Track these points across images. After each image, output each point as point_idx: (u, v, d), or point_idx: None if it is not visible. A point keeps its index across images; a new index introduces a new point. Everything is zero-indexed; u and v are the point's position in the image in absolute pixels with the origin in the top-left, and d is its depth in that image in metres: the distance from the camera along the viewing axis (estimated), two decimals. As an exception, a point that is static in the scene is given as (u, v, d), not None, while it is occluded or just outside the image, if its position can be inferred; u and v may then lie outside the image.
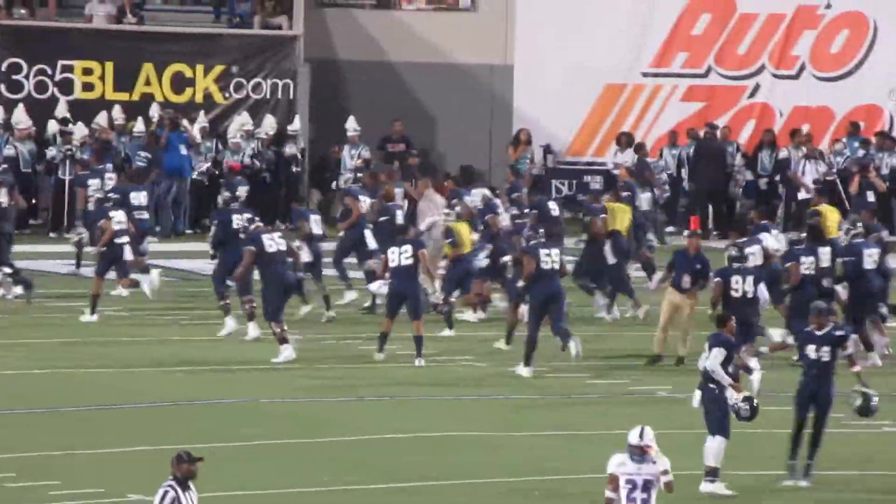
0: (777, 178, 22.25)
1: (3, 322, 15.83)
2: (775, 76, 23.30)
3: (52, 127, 21.35)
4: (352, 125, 21.77)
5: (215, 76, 22.40)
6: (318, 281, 15.99)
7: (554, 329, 13.84)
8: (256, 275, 14.65)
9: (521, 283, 14.13)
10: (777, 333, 13.68)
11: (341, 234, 16.71)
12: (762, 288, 13.68)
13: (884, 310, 14.56)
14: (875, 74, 23.07)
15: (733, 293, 13.50)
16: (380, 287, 14.37)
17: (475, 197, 16.69)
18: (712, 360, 10.69)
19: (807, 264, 14.33)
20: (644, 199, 17.82)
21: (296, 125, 22.14)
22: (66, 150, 20.82)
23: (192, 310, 15.99)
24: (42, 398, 12.99)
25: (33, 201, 21.36)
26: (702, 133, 22.57)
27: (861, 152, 21.83)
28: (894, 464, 11.44)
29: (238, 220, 15.08)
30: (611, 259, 15.83)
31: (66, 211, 20.48)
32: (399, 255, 14.08)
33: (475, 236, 15.82)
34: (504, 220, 16.17)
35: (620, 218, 16.18)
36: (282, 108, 22.54)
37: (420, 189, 17.80)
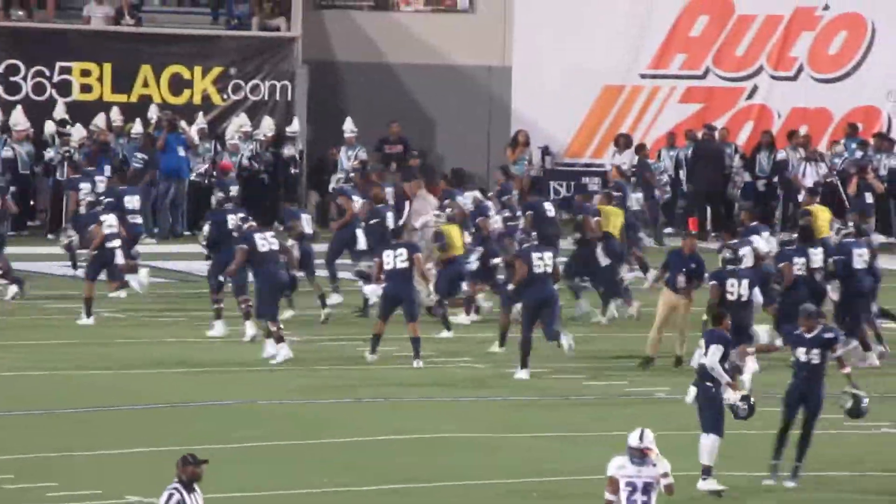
0: (775, 179, 22.26)
1: (1, 324, 15.82)
2: (773, 77, 23.31)
3: (50, 127, 21.34)
4: (349, 126, 21.78)
5: (213, 78, 22.40)
6: (311, 279, 15.95)
7: (546, 333, 13.84)
8: (252, 276, 14.68)
9: (511, 286, 14.09)
10: (762, 331, 13.68)
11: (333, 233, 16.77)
12: (756, 291, 13.69)
13: (875, 308, 14.55)
14: (873, 76, 23.08)
15: (729, 296, 13.52)
16: (374, 291, 14.36)
17: (467, 199, 16.67)
18: (711, 357, 10.69)
19: (798, 265, 14.35)
20: (634, 198, 17.81)
21: (294, 127, 22.14)
22: (64, 152, 20.80)
23: (189, 311, 15.98)
24: (40, 399, 12.98)
25: (31, 203, 21.35)
26: (700, 134, 22.58)
27: (859, 154, 21.84)
28: (891, 464, 11.42)
29: (232, 221, 15.07)
30: (603, 261, 15.83)
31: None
32: (394, 258, 14.09)
33: (467, 238, 15.80)
34: (496, 222, 16.11)
35: (613, 221, 16.21)
36: (280, 110, 22.55)
37: (413, 189, 17.81)
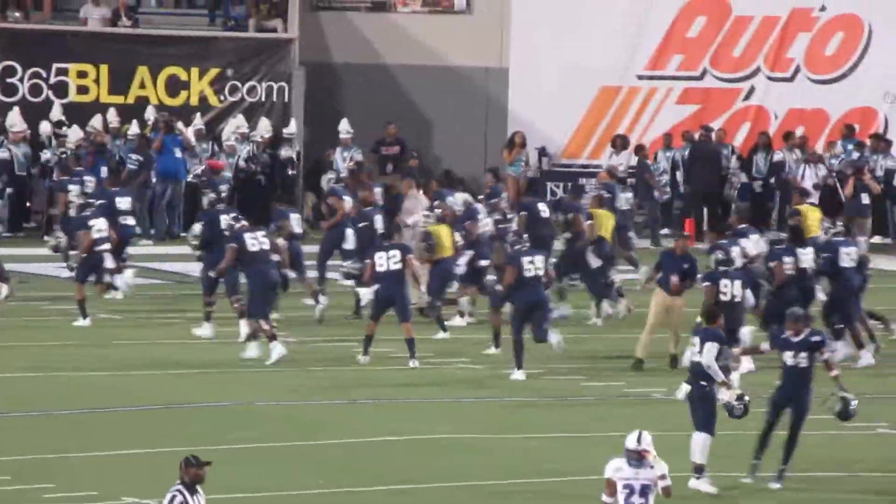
0: (772, 180, 22.28)
1: (-2, 325, 15.83)
2: (770, 79, 23.32)
3: (45, 128, 21.33)
4: (345, 127, 21.78)
5: (210, 79, 22.39)
6: (301, 278, 15.96)
7: (535, 334, 13.83)
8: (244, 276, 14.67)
9: (499, 287, 14.06)
10: (746, 332, 13.69)
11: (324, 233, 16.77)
12: (748, 292, 13.68)
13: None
14: (869, 77, 23.10)
15: (722, 297, 13.53)
16: (367, 292, 14.35)
17: (457, 200, 16.66)
18: (707, 355, 10.71)
19: (788, 264, 14.36)
20: (624, 198, 17.82)
21: (291, 128, 22.13)
22: (60, 153, 20.79)
23: (186, 312, 15.97)
24: (37, 401, 12.97)
25: (27, 204, 21.33)
26: (697, 135, 22.59)
27: (855, 155, 21.85)
28: (887, 464, 11.41)
29: (225, 220, 15.07)
30: (594, 263, 15.84)
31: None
32: (387, 260, 14.09)
33: (458, 238, 15.79)
34: (485, 225, 16.09)
35: (605, 224, 16.22)
36: (277, 112, 22.54)
37: (404, 189, 17.83)
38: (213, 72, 22.38)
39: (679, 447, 10.68)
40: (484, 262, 15.48)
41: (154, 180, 21.27)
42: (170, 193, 21.39)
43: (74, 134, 21.10)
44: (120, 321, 16.17)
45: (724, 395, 10.68)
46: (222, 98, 22.44)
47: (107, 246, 15.64)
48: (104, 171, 19.92)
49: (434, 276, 15.49)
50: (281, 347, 14.15)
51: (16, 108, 21.48)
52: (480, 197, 16.98)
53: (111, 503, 10.17)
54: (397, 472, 11.07)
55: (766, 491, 10.70)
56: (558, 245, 16.59)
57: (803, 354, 10.69)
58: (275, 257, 14.54)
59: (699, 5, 23.32)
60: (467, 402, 13.23)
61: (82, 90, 22.08)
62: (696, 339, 10.84)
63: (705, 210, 22.26)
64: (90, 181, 18.40)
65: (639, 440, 8.50)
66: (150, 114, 21.86)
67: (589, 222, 16.14)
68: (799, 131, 22.67)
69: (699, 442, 10.60)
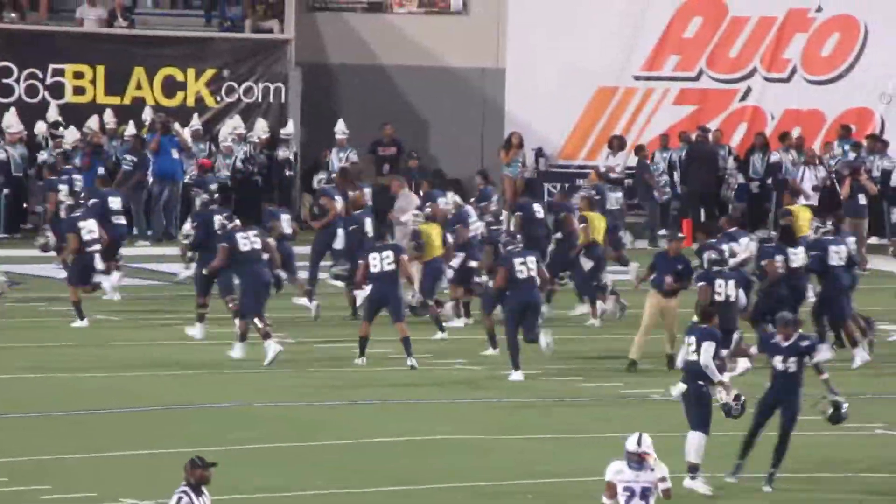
0: (769, 181, 22.30)
1: (-5, 326, 15.81)
2: (767, 79, 23.34)
3: (41, 128, 21.30)
4: (340, 128, 21.77)
5: (207, 80, 22.37)
6: (292, 279, 15.98)
7: (526, 337, 13.83)
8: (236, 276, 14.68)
9: (488, 283, 14.05)
10: (735, 336, 13.70)
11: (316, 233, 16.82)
12: (741, 292, 13.73)
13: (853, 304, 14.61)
14: (866, 77, 23.12)
15: (717, 297, 13.56)
16: (362, 293, 14.34)
17: (448, 201, 16.66)
18: (705, 355, 10.71)
19: (779, 262, 14.38)
20: (614, 198, 17.81)
21: (288, 129, 22.12)
22: (56, 154, 20.77)
23: (184, 313, 15.95)
24: (34, 402, 12.95)
25: (24, 205, 21.30)
26: (693, 136, 22.60)
27: (852, 155, 21.88)
28: (884, 465, 11.43)
29: (218, 221, 15.10)
30: (586, 266, 15.83)
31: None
32: (381, 261, 14.10)
33: (449, 238, 15.78)
34: (477, 228, 16.04)
35: (598, 227, 16.26)
36: (273, 112, 22.52)
37: (395, 189, 17.84)
38: (210, 73, 22.36)
39: (677, 448, 10.68)
40: (473, 263, 15.47)
41: (151, 181, 21.26)
42: (167, 194, 21.37)
43: (71, 135, 21.08)
44: (118, 322, 16.15)
45: (721, 396, 10.68)
46: (219, 99, 22.42)
47: (97, 247, 15.61)
48: (101, 171, 19.91)
49: (425, 276, 15.47)
50: (275, 345, 14.15)
51: (12, 109, 21.44)
52: (472, 200, 16.95)
53: (109, 504, 10.17)
54: (396, 472, 11.07)
55: (761, 493, 10.69)
56: (550, 246, 16.60)
57: (793, 359, 10.71)
58: (264, 256, 14.52)
59: (695, 6, 23.33)
60: (465, 402, 13.23)
61: (79, 91, 22.05)
62: (692, 339, 10.84)
63: (702, 211, 22.27)
64: (79, 180, 18.39)
65: (639, 442, 8.51)
66: (147, 115, 21.85)
67: (583, 225, 16.15)
68: (795, 132, 22.70)
69: (694, 442, 10.62)
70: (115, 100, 22.06)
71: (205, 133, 21.92)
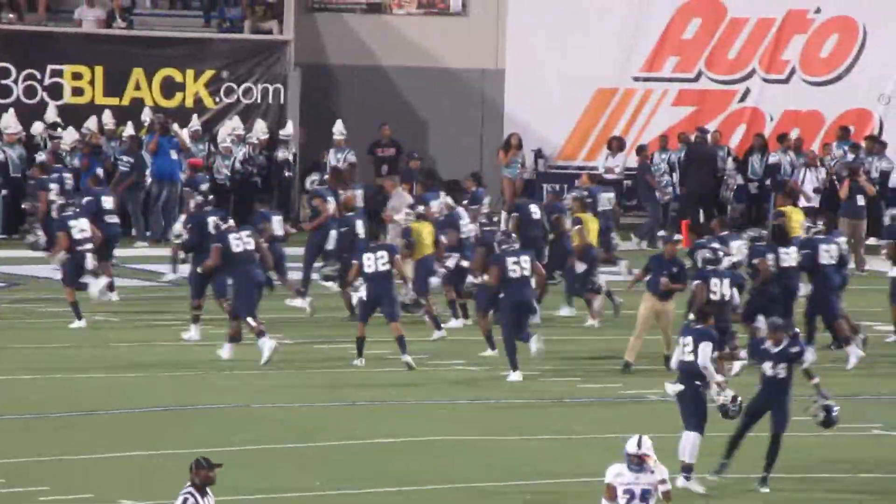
0: (767, 182, 22.30)
1: (-7, 327, 15.80)
2: (765, 80, 23.34)
3: (37, 128, 21.28)
4: (338, 129, 21.76)
5: (205, 81, 22.36)
6: (283, 280, 15.98)
7: (517, 337, 13.84)
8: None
9: (482, 283, 14.05)
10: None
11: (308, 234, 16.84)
12: (735, 291, 13.73)
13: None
14: (864, 78, 23.13)
15: (712, 295, 13.57)
16: (360, 294, 14.33)
17: (441, 202, 16.67)
18: (703, 355, 10.70)
19: (769, 261, 14.41)
20: (606, 198, 17.83)
21: (287, 130, 22.11)
22: (47, 153, 20.73)
23: (182, 314, 15.94)
24: (32, 403, 12.94)
25: (23, 206, 21.30)
26: (692, 137, 22.61)
27: (850, 156, 21.88)
28: (882, 465, 11.43)
29: (212, 222, 15.10)
30: (580, 268, 15.84)
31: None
32: (375, 261, 14.10)
33: (443, 239, 15.78)
34: (471, 231, 15.99)
35: (591, 229, 16.30)
36: (272, 113, 22.51)
37: (388, 188, 17.85)
38: (209, 73, 22.35)
39: (676, 449, 10.67)
40: (465, 263, 15.48)
41: (149, 182, 21.25)
42: (165, 195, 21.35)
43: (69, 136, 21.07)
44: (116, 323, 16.14)
45: (718, 397, 10.68)
46: (218, 100, 22.41)
47: (88, 246, 15.61)
48: (100, 172, 19.91)
49: (417, 274, 15.46)
50: (270, 342, 14.15)
51: (11, 110, 21.43)
52: (464, 202, 16.95)
53: (107, 505, 10.15)
54: (395, 473, 11.06)
55: (758, 493, 10.68)
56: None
57: (782, 365, 10.71)
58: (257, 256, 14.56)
59: (694, 7, 23.33)
60: (464, 403, 13.22)
61: (77, 92, 22.04)
62: (689, 340, 10.83)
63: (701, 212, 22.26)
64: (69, 179, 18.37)
65: (639, 444, 8.52)
66: (146, 115, 21.84)
67: (577, 227, 16.17)
68: (794, 133, 22.70)
69: (689, 442, 10.62)
70: (114, 101, 22.05)
71: (204, 134, 21.90)
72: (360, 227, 16.13)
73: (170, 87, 22.24)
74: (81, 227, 15.65)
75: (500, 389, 13.68)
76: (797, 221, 16.04)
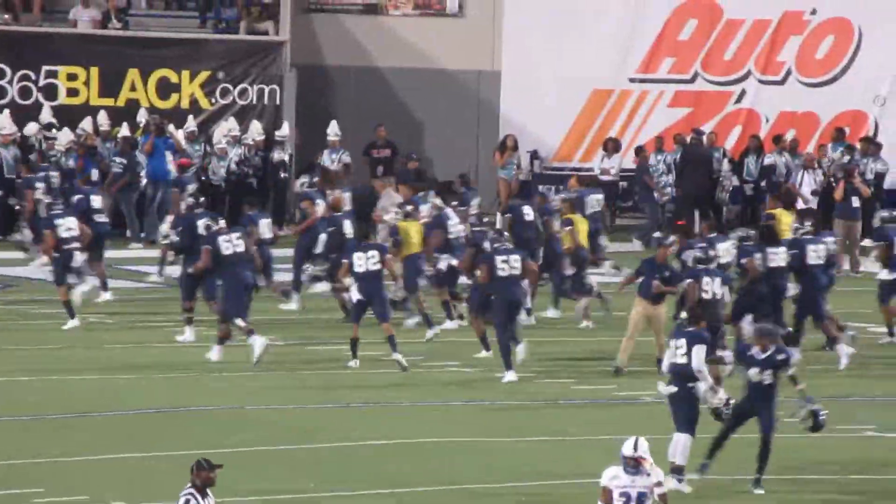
0: (763, 183, 22.31)
1: (-13, 328, 15.79)
2: (761, 82, 23.36)
3: (31, 129, 21.27)
4: (333, 130, 21.75)
5: (201, 82, 22.35)
6: (269, 282, 16.05)
7: (500, 333, 13.84)
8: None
9: (469, 281, 14.07)
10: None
11: (295, 236, 16.86)
12: (725, 290, 13.75)
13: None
14: (860, 80, 23.15)
15: (704, 294, 13.58)
16: (354, 294, 14.32)
17: (430, 204, 16.69)
18: (696, 359, 10.71)
19: (757, 260, 14.43)
20: (595, 199, 17.85)
21: (283, 131, 22.10)
22: (50, 156, 20.75)
23: (176, 315, 15.92)
24: (26, 404, 12.93)
25: (10, 203, 21.28)
26: (688, 139, 22.62)
27: (846, 158, 21.90)
28: (874, 467, 11.44)
29: (203, 224, 15.09)
30: (569, 271, 15.84)
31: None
32: (366, 261, 14.11)
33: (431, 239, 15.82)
34: (460, 231, 15.97)
35: (581, 230, 16.31)
36: (268, 114, 22.50)
37: (378, 188, 17.85)
38: (204, 74, 22.33)
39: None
40: (454, 262, 15.46)
41: (144, 183, 21.24)
42: (160, 196, 21.34)
43: (64, 136, 21.06)
44: (110, 324, 16.13)
45: (712, 400, 10.69)
46: (213, 101, 22.39)
47: (76, 245, 15.59)
48: (95, 173, 19.87)
49: (406, 272, 15.44)
50: (261, 340, 14.15)
51: (5, 111, 21.41)
52: (454, 203, 16.97)
53: (101, 507, 10.14)
54: (390, 475, 11.06)
55: (752, 495, 10.68)
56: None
57: (768, 372, 10.73)
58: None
59: (691, 8, 23.34)
60: (458, 404, 13.21)
61: (72, 92, 22.03)
62: (682, 342, 10.83)
63: (697, 213, 22.26)
64: (56, 177, 18.35)
65: (635, 447, 8.52)
66: (142, 116, 21.82)
67: (568, 228, 16.17)
68: (790, 134, 22.72)
69: (681, 443, 10.63)
70: (109, 101, 22.03)
71: (199, 135, 21.89)
72: (347, 227, 16.13)
73: (165, 88, 22.22)
74: (69, 226, 15.63)
75: (495, 391, 13.67)
76: (786, 224, 16.08)
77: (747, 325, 13.67)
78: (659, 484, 8.50)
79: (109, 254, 17.81)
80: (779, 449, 10.96)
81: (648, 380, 13.65)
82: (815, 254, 14.69)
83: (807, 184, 21.63)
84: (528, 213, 16.86)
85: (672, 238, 15.07)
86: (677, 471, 10.63)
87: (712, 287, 13.67)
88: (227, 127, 21.93)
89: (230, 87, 22.40)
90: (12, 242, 16.84)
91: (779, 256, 14.57)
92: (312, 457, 11.57)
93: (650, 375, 13.87)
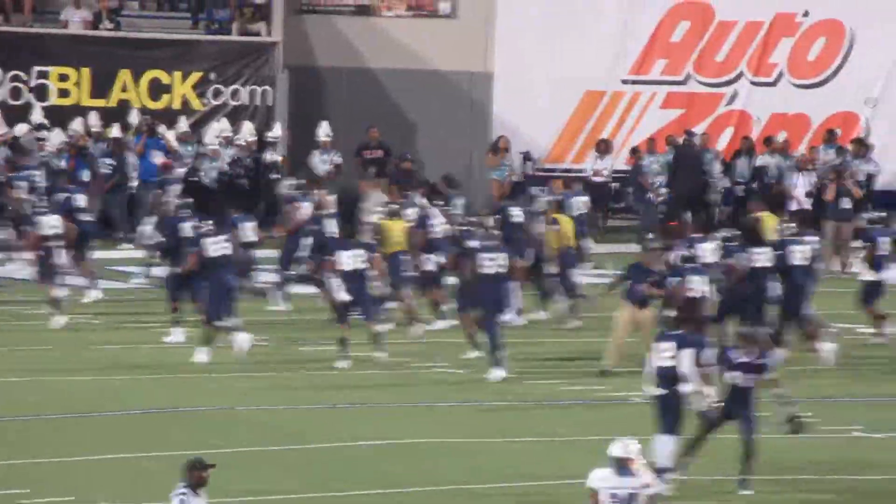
0: (755, 184, 22.32)
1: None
2: (753, 83, 23.37)
3: (21, 129, 21.24)
4: (324, 131, 21.74)
5: (193, 83, 22.33)
6: (250, 285, 16.05)
7: (486, 330, 13.83)
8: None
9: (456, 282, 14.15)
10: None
11: (280, 238, 16.91)
12: (712, 288, 13.77)
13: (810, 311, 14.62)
14: (851, 82, 23.18)
15: (690, 292, 13.59)
16: (341, 293, 14.32)
17: (416, 207, 16.70)
18: (686, 362, 10.71)
19: (741, 260, 14.48)
20: (581, 202, 17.83)
21: (275, 132, 22.09)
22: (40, 157, 20.73)
23: (164, 315, 15.90)
24: (13, 405, 12.90)
25: (10, 208, 21.25)
26: (680, 140, 22.63)
27: (837, 159, 21.92)
28: (860, 467, 11.44)
29: (190, 226, 15.11)
30: (553, 270, 15.83)
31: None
32: (352, 260, 14.10)
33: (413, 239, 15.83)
34: (443, 230, 15.95)
35: (567, 230, 16.32)
36: (260, 115, 22.49)
37: (364, 189, 17.90)
38: (196, 75, 22.32)
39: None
40: (442, 259, 15.47)
41: (136, 184, 21.21)
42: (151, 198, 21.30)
43: (56, 137, 21.04)
44: (98, 325, 16.10)
45: (700, 403, 10.70)
46: (205, 102, 22.38)
47: (60, 243, 15.55)
48: (86, 174, 19.84)
49: (389, 269, 15.46)
50: (244, 335, 14.15)
51: (-3, 111, 21.44)
52: (439, 203, 16.93)
53: (88, 508, 10.12)
54: (379, 476, 11.03)
55: (741, 496, 10.67)
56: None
57: (749, 376, 10.74)
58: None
59: (683, 10, 23.36)
60: (449, 406, 13.21)
61: (63, 93, 22.00)
62: (669, 345, 10.83)
63: (689, 215, 22.25)
64: (39, 176, 18.31)
65: (624, 448, 8.51)
66: (134, 117, 21.80)
67: (555, 227, 16.17)
68: (781, 136, 22.73)
69: (668, 446, 10.65)
70: (101, 102, 22.01)
71: (191, 136, 21.86)
72: (331, 227, 16.12)
73: (157, 89, 22.20)
74: (52, 224, 15.60)
75: (484, 391, 13.66)
76: (770, 228, 16.10)
77: (729, 330, 13.67)
78: (648, 485, 8.48)
79: (99, 254, 17.78)
80: (766, 449, 10.96)
81: (637, 380, 13.65)
82: (800, 254, 14.70)
83: (801, 185, 21.64)
84: (518, 214, 16.89)
85: (659, 242, 15.09)
86: (661, 472, 10.62)
87: (698, 284, 13.64)
88: (219, 128, 21.92)
89: (222, 88, 22.39)
90: None
91: (763, 257, 14.60)
92: (304, 458, 11.54)
93: (638, 376, 13.87)
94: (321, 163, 21.42)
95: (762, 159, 22.38)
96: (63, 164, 20.59)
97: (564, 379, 14.12)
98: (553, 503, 10.47)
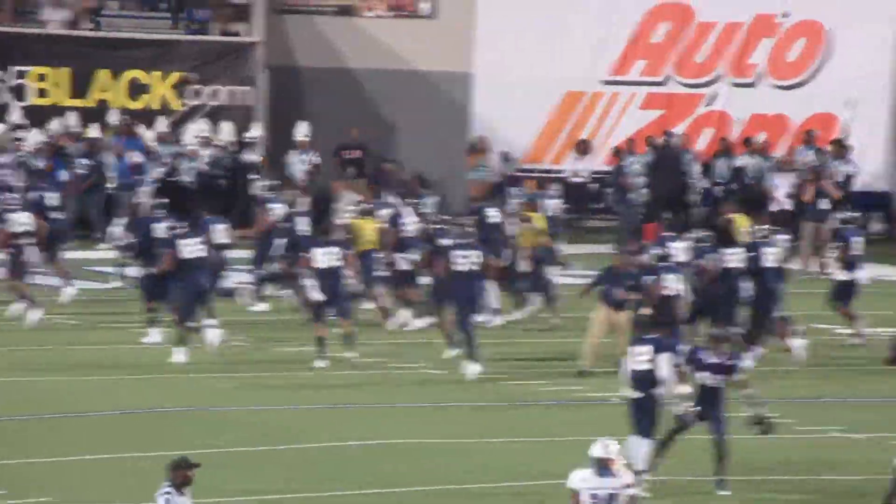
0: (734, 185, 22.40)
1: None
2: (733, 84, 23.45)
3: (0, 129, 21.15)
4: (302, 131, 21.73)
5: (172, 83, 22.28)
6: (223, 287, 16.09)
7: (461, 326, 13.81)
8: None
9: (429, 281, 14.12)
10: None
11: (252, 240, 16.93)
12: (687, 286, 13.84)
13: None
14: (831, 83, 23.29)
15: (665, 290, 13.63)
16: (315, 293, 14.30)
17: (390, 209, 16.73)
18: (664, 367, 10.75)
19: (713, 260, 14.57)
20: (550, 205, 17.89)
21: (254, 132, 22.07)
22: (18, 157, 20.66)
23: (141, 315, 15.85)
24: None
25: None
26: (660, 141, 22.70)
27: (816, 160, 22.00)
28: (840, 468, 11.49)
29: (163, 226, 15.12)
30: (525, 268, 15.88)
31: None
32: (328, 257, 14.08)
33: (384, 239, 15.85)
34: (415, 229, 15.97)
35: (541, 229, 16.35)
36: (240, 116, 22.45)
37: (336, 189, 17.95)
38: (176, 75, 22.27)
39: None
40: (415, 256, 15.49)
41: (116, 185, 21.16)
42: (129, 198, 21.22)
43: (34, 137, 20.97)
44: (75, 325, 16.05)
45: (677, 406, 10.74)
46: (185, 102, 22.33)
47: (30, 240, 15.53)
48: (64, 174, 19.76)
49: (361, 268, 15.47)
50: (215, 331, 14.15)
51: (-25, 111, 21.35)
52: (412, 202, 16.94)
53: (66, 509, 10.09)
54: (370, 476, 11.03)
55: (720, 497, 10.71)
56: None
57: (719, 377, 10.78)
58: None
59: (663, 11, 23.43)
60: (435, 406, 13.22)
61: (42, 93, 21.92)
62: (645, 349, 10.87)
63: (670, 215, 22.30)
64: (8, 175, 18.23)
65: (605, 449, 8.54)
66: (113, 117, 21.75)
67: (527, 224, 16.19)
68: (761, 137, 22.82)
69: (643, 449, 10.68)
70: (80, 102, 21.94)
71: (170, 136, 21.82)
72: (303, 225, 16.12)
73: (136, 89, 22.14)
74: (22, 221, 15.57)
75: (469, 391, 13.67)
76: (743, 226, 16.16)
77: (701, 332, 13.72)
78: (628, 485, 8.51)
79: (76, 255, 17.72)
80: (744, 449, 11.01)
81: (615, 380, 13.69)
82: (771, 256, 14.75)
83: (782, 186, 21.72)
84: (494, 215, 16.92)
85: (630, 248, 15.12)
86: (637, 474, 10.63)
87: (672, 283, 13.68)
88: (197, 128, 21.88)
89: (202, 88, 22.34)
90: None
91: (735, 258, 14.66)
92: (293, 458, 11.51)
93: (616, 376, 13.91)
94: (299, 163, 21.40)
95: (741, 160, 22.46)
96: (41, 164, 20.52)
97: (545, 379, 14.12)
98: (545, 501, 10.43)
